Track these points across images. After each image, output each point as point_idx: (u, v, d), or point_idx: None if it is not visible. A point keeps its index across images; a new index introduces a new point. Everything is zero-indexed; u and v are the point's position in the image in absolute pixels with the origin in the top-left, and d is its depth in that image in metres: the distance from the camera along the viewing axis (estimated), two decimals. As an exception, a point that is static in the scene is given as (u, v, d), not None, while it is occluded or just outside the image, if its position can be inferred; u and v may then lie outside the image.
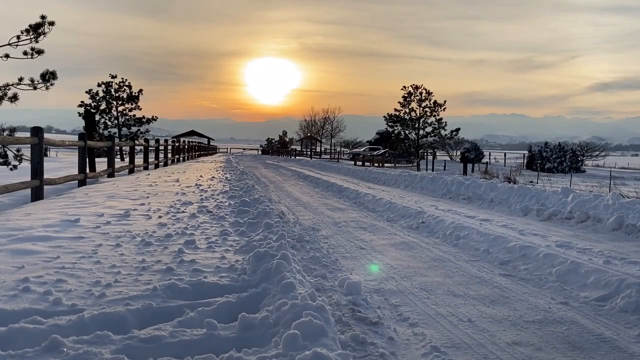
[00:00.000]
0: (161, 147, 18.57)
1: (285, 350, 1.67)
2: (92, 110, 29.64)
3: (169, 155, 20.01)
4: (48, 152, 33.25)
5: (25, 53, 10.83)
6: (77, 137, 9.35)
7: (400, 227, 5.29)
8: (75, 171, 9.22)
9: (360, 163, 30.32)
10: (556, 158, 39.03)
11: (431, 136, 40.49)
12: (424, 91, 39.96)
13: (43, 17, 10.83)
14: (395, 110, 40.82)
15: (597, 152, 54.02)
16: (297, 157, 45.79)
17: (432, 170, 23.45)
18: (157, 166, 16.21)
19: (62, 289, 2.33)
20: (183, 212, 4.90)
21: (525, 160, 41.79)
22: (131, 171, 13.20)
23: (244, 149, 74.91)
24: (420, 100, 40.07)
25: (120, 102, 34.92)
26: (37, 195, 6.66)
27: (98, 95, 34.76)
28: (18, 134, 13.10)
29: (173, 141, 22.26)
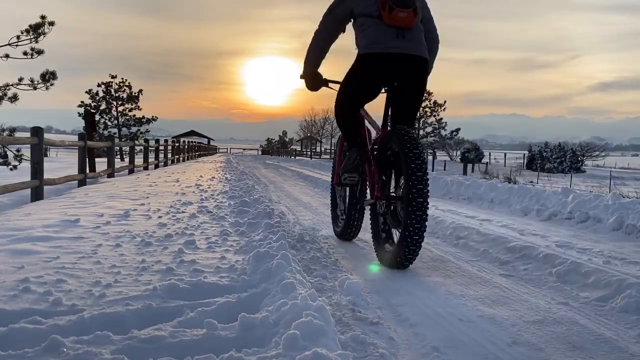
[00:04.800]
0: (161, 148, 18.59)
1: (285, 350, 1.67)
2: (92, 110, 29.65)
3: (169, 156, 20.02)
4: (48, 152, 33.30)
5: (25, 53, 10.85)
6: (77, 137, 9.36)
7: (400, 227, 5.28)
8: (75, 171, 9.23)
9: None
10: (556, 158, 39.01)
11: (431, 136, 40.52)
12: (424, 91, 39.95)
13: (43, 17, 10.84)
14: (395, 110, 40.78)
15: (597, 153, 54.08)
16: (297, 157, 45.79)
17: (432, 171, 23.45)
18: (157, 166, 16.22)
19: (62, 289, 2.34)
20: (183, 212, 4.90)
21: (525, 161, 41.77)
22: (131, 171, 13.20)
23: (243, 149, 74.90)
24: (420, 101, 40.04)
25: (120, 102, 34.95)
26: (37, 195, 6.66)
27: (98, 95, 34.81)
28: (18, 134, 13.10)
29: (173, 141, 22.28)
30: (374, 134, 3.88)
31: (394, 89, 3.59)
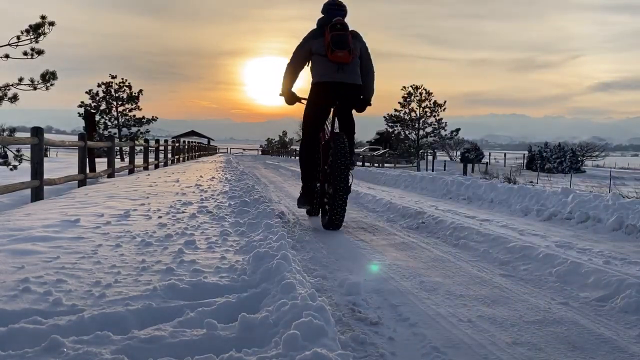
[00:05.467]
0: (161, 148, 18.58)
1: (285, 350, 1.67)
2: (92, 111, 29.66)
3: (169, 156, 20.02)
4: (48, 153, 33.33)
5: (25, 53, 10.85)
6: (77, 137, 9.36)
7: (400, 227, 5.29)
8: (75, 171, 9.23)
9: (360, 163, 30.31)
10: (556, 158, 39.02)
11: (431, 136, 40.56)
12: (424, 91, 40.01)
13: (43, 17, 10.84)
14: (395, 110, 40.88)
15: (597, 153, 54.13)
16: (297, 158, 45.75)
17: (432, 171, 23.46)
18: (157, 166, 16.22)
19: (62, 289, 2.34)
20: (183, 212, 4.90)
21: (525, 161, 41.79)
22: (131, 171, 13.20)
23: (243, 149, 74.85)
24: (420, 101, 40.09)
25: (120, 103, 34.94)
26: (37, 195, 6.66)
27: (98, 96, 34.78)
28: (18, 134, 13.11)
29: (173, 141, 22.27)
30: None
31: (338, 106, 5.10)
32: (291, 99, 5.21)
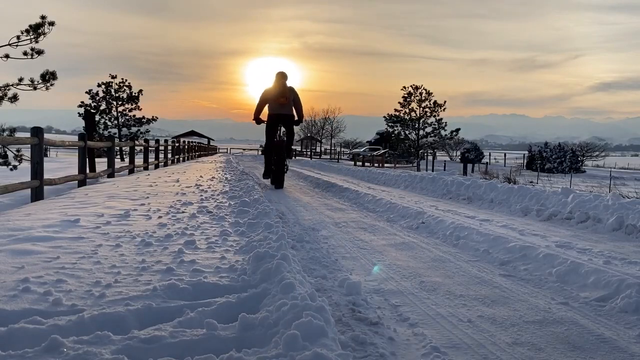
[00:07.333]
0: (161, 148, 18.56)
1: (285, 350, 1.67)
2: (92, 111, 29.64)
3: (169, 156, 19.99)
4: (48, 153, 33.29)
5: (25, 53, 10.83)
6: (77, 137, 9.34)
7: (400, 227, 5.29)
8: (75, 171, 9.22)
9: (360, 163, 30.25)
10: (556, 158, 39.01)
11: (431, 136, 40.53)
12: (424, 91, 39.98)
13: (43, 17, 10.83)
14: (396, 110, 40.85)
15: (597, 153, 54.11)
16: (297, 157, 45.68)
17: (432, 171, 23.44)
18: (157, 166, 16.20)
19: (62, 289, 2.34)
20: (183, 212, 4.90)
21: (525, 161, 41.79)
22: (131, 171, 13.18)
23: (244, 149, 74.75)
24: (420, 101, 40.06)
25: (120, 102, 34.91)
26: (37, 195, 6.65)
27: (98, 96, 34.74)
28: (18, 134, 13.10)
29: (173, 141, 22.23)
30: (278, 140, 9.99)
31: (282, 125, 9.87)
32: (258, 121, 9.70)
